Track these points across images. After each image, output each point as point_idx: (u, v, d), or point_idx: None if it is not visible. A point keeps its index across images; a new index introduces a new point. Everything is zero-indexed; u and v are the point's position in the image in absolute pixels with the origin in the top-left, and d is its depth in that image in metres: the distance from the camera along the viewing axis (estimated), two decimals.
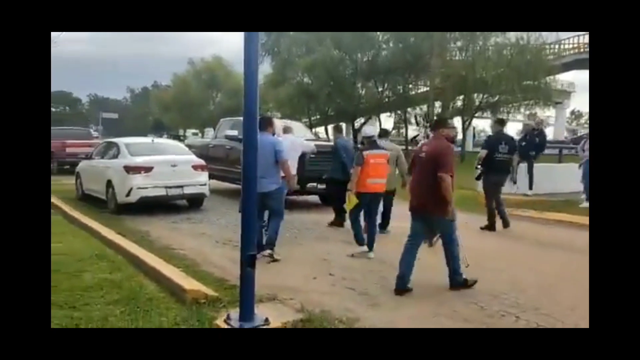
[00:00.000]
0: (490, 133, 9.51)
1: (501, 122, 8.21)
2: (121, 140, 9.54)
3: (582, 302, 4.15)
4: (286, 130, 7.77)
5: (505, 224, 7.48)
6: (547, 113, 31.19)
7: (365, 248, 5.88)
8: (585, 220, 7.97)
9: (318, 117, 28.14)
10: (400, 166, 7.09)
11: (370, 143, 5.98)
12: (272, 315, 3.69)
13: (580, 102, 68.15)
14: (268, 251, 5.48)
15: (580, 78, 44.36)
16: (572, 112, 42.17)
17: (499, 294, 4.36)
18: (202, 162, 8.92)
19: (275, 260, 5.40)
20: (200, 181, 8.72)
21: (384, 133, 7.83)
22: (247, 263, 3.05)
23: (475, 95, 22.92)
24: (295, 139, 7.56)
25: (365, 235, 5.92)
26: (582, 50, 24.96)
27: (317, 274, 4.99)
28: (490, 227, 7.44)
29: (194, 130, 37.84)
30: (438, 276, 4.85)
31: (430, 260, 5.49)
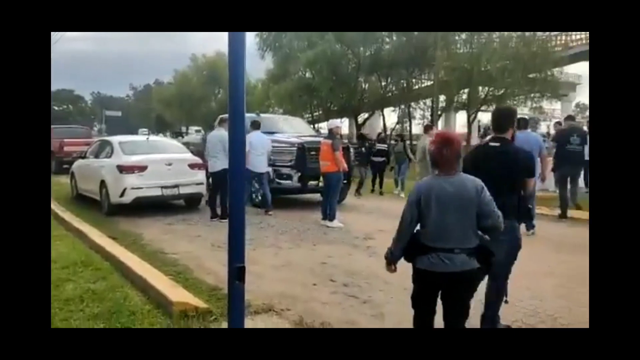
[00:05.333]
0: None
1: (571, 118, 9.58)
2: (115, 139, 9.22)
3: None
4: (254, 125, 8.52)
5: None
6: (553, 106, 30.75)
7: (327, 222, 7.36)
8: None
9: (320, 112, 27.77)
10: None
11: (328, 133, 7.85)
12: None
13: (586, 94, 67.34)
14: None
15: (586, 69, 43.81)
16: (577, 105, 41.54)
17: (513, 302, 4.02)
18: (198, 160, 8.60)
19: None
20: (196, 180, 8.41)
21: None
22: (235, 276, 2.71)
23: (481, 88, 22.51)
24: (263, 135, 8.34)
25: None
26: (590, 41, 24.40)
27: (317, 280, 4.67)
28: (563, 214, 8.00)
29: (196, 127, 37.69)
30: None
31: None
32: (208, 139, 8.23)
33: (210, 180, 8.12)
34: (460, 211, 2.64)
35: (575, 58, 26.99)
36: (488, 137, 8.44)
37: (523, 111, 24.21)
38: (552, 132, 11.03)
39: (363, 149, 11.51)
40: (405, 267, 5.04)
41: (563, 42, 23.94)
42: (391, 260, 2.89)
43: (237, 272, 2.75)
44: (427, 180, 2.86)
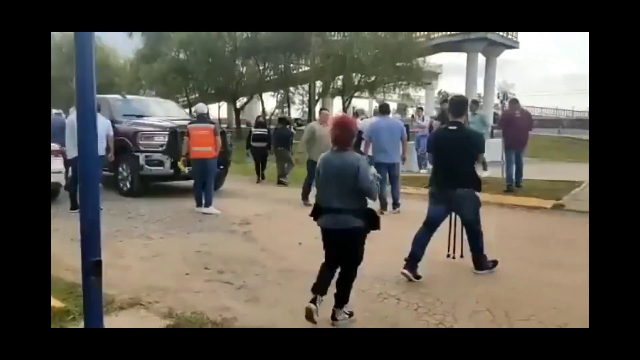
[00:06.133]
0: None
1: (447, 101, 10.79)
2: None
3: (459, 279, 4.28)
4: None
5: None
6: (418, 93, 33.29)
7: (202, 209, 7.13)
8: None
9: (197, 96, 26.74)
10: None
11: (198, 118, 7.53)
12: (133, 325, 3.20)
13: (446, 83, 73.91)
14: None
15: (446, 60, 47.99)
16: (439, 93, 45.45)
17: (380, 276, 4.29)
18: (55, 146, 7.73)
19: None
20: (53, 169, 7.56)
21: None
22: (91, 271, 2.49)
23: (354, 75, 23.48)
24: (102, 118, 7.56)
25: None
26: (449, 32, 26.63)
27: (190, 270, 4.51)
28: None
29: (56, 110, 33.85)
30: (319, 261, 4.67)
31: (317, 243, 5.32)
32: (67, 124, 7.47)
33: (71, 168, 7.39)
34: (341, 180, 3.23)
35: (437, 49, 29.40)
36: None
37: (392, 97, 25.87)
38: (416, 116, 12.25)
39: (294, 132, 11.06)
40: (277, 249, 5.09)
41: (425, 33, 25.81)
42: None
43: (92, 267, 2.53)
44: (324, 154, 3.44)
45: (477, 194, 4.34)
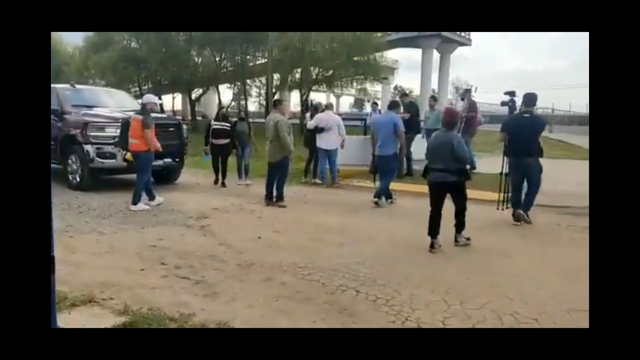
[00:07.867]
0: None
1: (405, 95, 12.28)
2: None
3: (415, 270, 4.39)
4: None
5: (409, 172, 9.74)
6: (375, 88, 33.68)
7: (150, 201, 7.05)
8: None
9: (150, 86, 25.93)
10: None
11: (141, 109, 7.13)
12: (86, 322, 3.10)
13: (402, 78, 75.22)
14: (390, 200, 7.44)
15: (402, 55, 48.81)
16: (395, 88, 46.17)
17: (339, 269, 4.34)
18: None
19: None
20: None
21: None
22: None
23: (312, 68, 23.42)
24: None
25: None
26: None
27: (145, 265, 4.39)
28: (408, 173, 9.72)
29: None
30: (278, 254, 4.67)
31: (274, 237, 5.31)
32: None
33: None
34: (443, 150, 4.93)
35: (393, 44, 29.84)
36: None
37: (350, 92, 26.02)
38: (373, 111, 12.59)
39: None
40: (236, 243, 5.04)
41: None
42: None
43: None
44: (436, 132, 5.29)
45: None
